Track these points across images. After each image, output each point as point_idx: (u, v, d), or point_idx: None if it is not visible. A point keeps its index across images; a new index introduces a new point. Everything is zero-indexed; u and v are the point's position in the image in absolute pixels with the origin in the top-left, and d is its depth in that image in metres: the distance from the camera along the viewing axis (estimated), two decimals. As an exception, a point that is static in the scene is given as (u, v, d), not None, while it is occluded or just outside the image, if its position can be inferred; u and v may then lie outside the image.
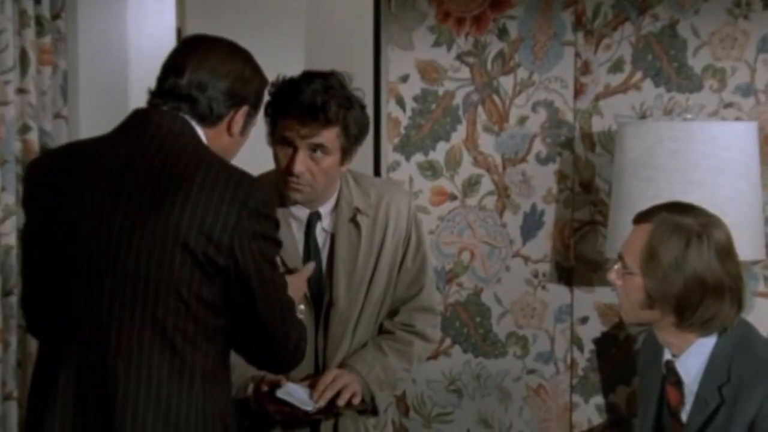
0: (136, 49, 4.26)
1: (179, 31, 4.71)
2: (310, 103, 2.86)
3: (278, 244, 2.52)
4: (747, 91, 3.77)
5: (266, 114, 2.95)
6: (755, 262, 3.70)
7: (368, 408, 3.07)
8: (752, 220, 3.46)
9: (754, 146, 3.50)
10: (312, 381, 3.01)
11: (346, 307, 3.05)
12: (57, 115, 3.85)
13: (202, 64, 2.52)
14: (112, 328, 2.43)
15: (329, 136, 2.90)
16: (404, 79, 3.98)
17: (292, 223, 3.04)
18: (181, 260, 2.39)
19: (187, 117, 2.51)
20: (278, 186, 2.96)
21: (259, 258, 2.44)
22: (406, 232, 3.14)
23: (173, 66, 2.55)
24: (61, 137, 3.84)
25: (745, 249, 3.33)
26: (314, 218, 3.05)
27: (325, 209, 3.05)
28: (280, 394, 2.91)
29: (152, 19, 4.38)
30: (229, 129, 2.57)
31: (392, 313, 3.17)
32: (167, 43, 4.62)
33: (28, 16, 3.72)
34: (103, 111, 4.04)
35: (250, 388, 2.99)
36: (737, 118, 3.76)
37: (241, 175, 2.44)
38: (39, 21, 3.76)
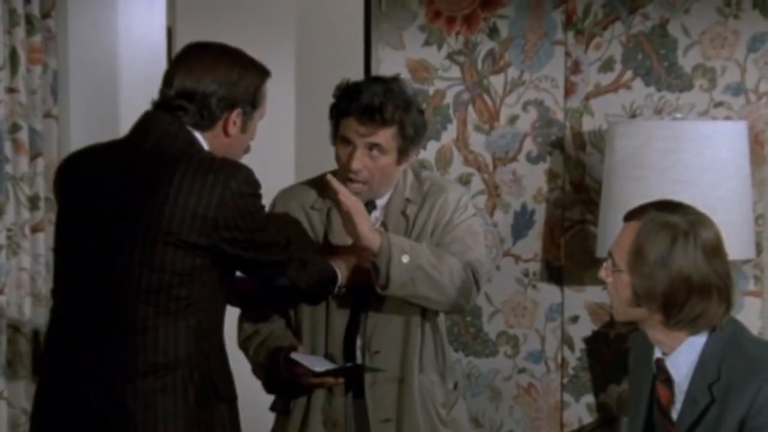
0: (127, 49, 4.25)
1: (170, 31, 4.70)
2: (369, 104, 3.01)
3: (262, 212, 2.72)
4: (737, 90, 3.78)
5: (330, 116, 3.11)
6: (745, 261, 3.70)
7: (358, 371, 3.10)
8: (742, 220, 3.47)
9: (744, 145, 3.51)
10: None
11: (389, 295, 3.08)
12: (47, 115, 3.84)
13: (189, 74, 2.67)
14: (95, 312, 2.64)
15: (386, 136, 3.04)
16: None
17: None
18: (158, 245, 2.56)
19: (186, 124, 2.66)
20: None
21: (246, 232, 2.63)
22: (449, 217, 3.16)
23: (165, 76, 2.71)
24: (51, 136, 3.84)
25: (735, 248, 3.34)
26: (369, 208, 3.14)
27: (380, 201, 3.17)
28: (294, 355, 3.03)
29: (143, 19, 4.38)
30: (225, 130, 2.69)
31: None
32: (157, 42, 4.61)
33: (18, 15, 3.71)
34: (93, 110, 4.04)
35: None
36: (727, 118, 3.76)
37: (221, 161, 2.61)
38: (29, 20, 3.76)
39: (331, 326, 3.13)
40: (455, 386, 3.26)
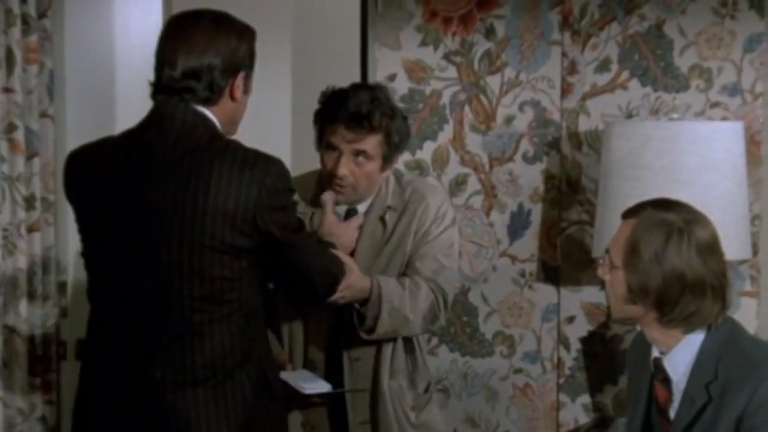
0: (123, 48, 4.24)
1: (166, 31, 4.69)
2: (356, 111, 3.04)
3: (295, 207, 2.72)
4: (733, 90, 3.78)
5: (315, 121, 3.14)
6: (742, 262, 3.71)
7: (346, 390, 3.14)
8: (739, 220, 3.47)
9: (740, 146, 3.51)
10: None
11: None
12: (43, 114, 3.83)
13: (192, 51, 2.61)
14: (143, 316, 2.57)
15: (372, 143, 3.08)
16: (391, 78, 3.98)
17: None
18: (206, 251, 2.52)
19: (196, 105, 2.61)
20: (322, 186, 3.15)
21: (282, 228, 2.60)
22: (427, 227, 3.18)
23: (165, 56, 2.64)
24: (47, 136, 3.83)
25: (732, 248, 3.34)
26: (351, 214, 3.19)
27: (362, 207, 3.20)
28: (283, 375, 3.02)
29: (139, 18, 4.36)
30: (232, 96, 2.67)
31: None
32: (154, 41, 4.59)
33: (14, 15, 3.71)
34: (90, 110, 4.03)
35: None
36: (724, 118, 3.77)
37: (255, 157, 2.58)
38: (25, 20, 3.75)
39: (311, 332, 3.18)
40: (427, 389, 3.30)
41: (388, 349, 3.18)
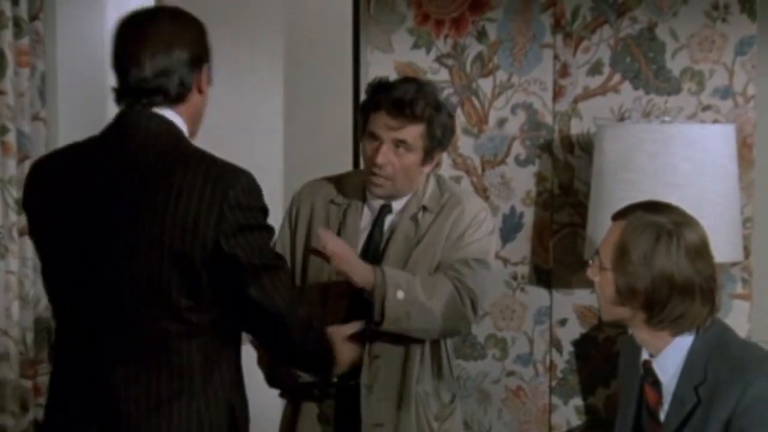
0: (115, 51, 4.24)
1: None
2: (400, 97, 3.04)
3: (267, 229, 2.48)
4: (725, 93, 3.79)
5: (361, 111, 3.14)
6: (733, 264, 3.71)
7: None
8: (730, 222, 3.47)
9: (732, 149, 3.52)
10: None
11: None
12: (35, 117, 3.84)
13: (157, 48, 2.46)
14: (104, 334, 2.43)
15: (413, 134, 3.06)
16: (384, 81, 3.98)
17: (365, 211, 3.20)
18: (168, 265, 2.37)
19: (163, 109, 2.47)
20: (363, 182, 3.18)
21: (247, 249, 2.40)
22: (461, 231, 3.16)
23: (128, 56, 2.48)
24: (39, 139, 3.83)
25: (724, 251, 3.34)
26: (384, 210, 3.18)
27: (397, 204, 3.19)
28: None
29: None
30: (199, 89, 2.54)
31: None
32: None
33: (6, 18, 3.71)
34: (82, 113, 4.03)
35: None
36: (715, 121, 3.77)
37: (221, 168, 2.41)
38: (17, 22, 3.75)
39: (329, 321, 3.08)
40: (452, 399, 3.27)
41: (417, 352, 3.14)
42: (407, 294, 3.00)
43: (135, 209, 2.38)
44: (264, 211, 2.46)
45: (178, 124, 2.49)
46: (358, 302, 3.08)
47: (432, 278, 3.09)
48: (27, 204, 2.59)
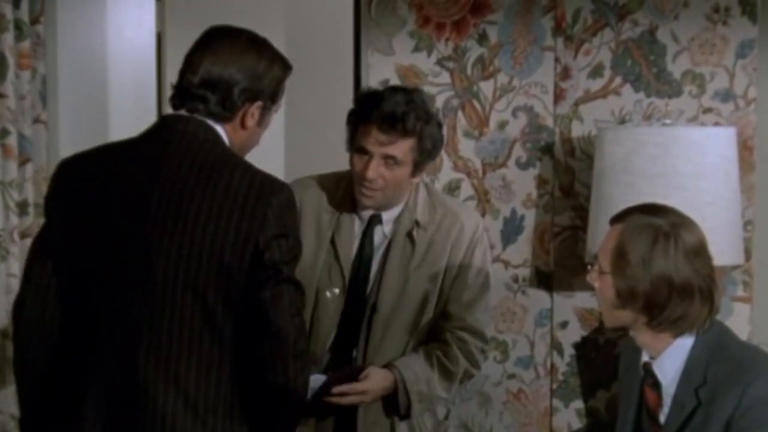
0: (116, 54, 4.24)
1: (159, 36, 4.70)
2: (391, 112, 2.99)
3: (298, 243, 2.54)
4: (726, 96, 3.79)
5: (348, 121, 3.08)
6: (734, 267, 3.71)
7: None
8: (731, 225, 3.47)
9: (733, 151, 3.52)
10: (352, 370, 3.07)
11: (389, 315, 3.12)
12: (36, 120, 3.83)
13: (216, 62, 2.52)
14: (141, 337, 2.43)
15: (403, 149, 3.03)
16: (385, 84, 3.98)
17: (356, 220, 3.17)
18: (208, 268, 2.40)
19: (206, 118, 2.51)
20: (350, 189, 3.14)
21: (278, 252, 2.43)
22: (464, 255, 3.17)
23: (190, 61, 2.55)
24: (40, 142, 3.83)
25: (725, 254, 3.35)
26: (374, 220, 3.16)
27: (387, 215, 3.17)
28: None
29: (132, 24, 4.37)
30: (243, 123, 2.56)
31: (447, 322, 3.19)
32: (147, 47, 4.60)
33: (6, 20, 3.70)
34: (83, 116, 4.03)
35: None
36: (716, 124, 3.77)
37: (264, 176, 2.46)
38: (18, 25, 3.75)
39: (316, 330, 3.13)
40: (446, 416, 3.30)
41: None
42: (426, 396, 3.10)
43: (180, 213, 2.41)
44: (297, 223, 2.57)
45: (221, 134, 2.53)
46: (342, 331, 3.12)
47: (447, 362, 3.13)
48: (51, 201, 2.58)
